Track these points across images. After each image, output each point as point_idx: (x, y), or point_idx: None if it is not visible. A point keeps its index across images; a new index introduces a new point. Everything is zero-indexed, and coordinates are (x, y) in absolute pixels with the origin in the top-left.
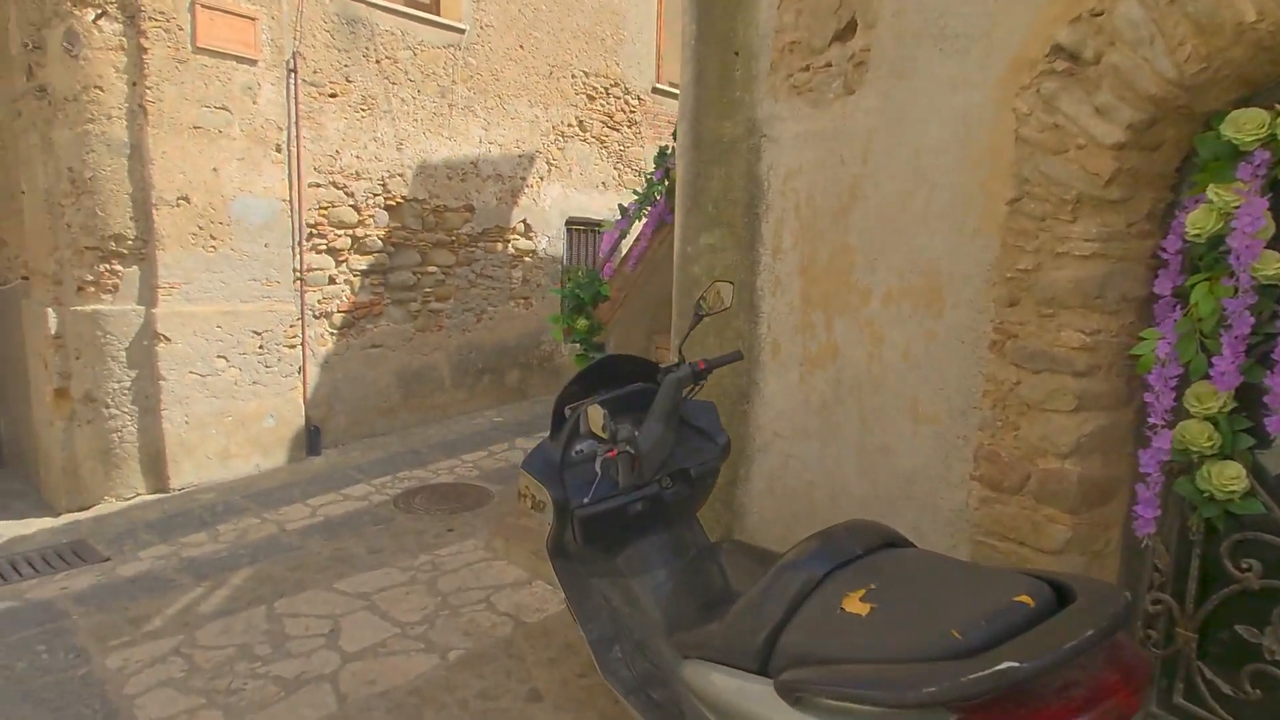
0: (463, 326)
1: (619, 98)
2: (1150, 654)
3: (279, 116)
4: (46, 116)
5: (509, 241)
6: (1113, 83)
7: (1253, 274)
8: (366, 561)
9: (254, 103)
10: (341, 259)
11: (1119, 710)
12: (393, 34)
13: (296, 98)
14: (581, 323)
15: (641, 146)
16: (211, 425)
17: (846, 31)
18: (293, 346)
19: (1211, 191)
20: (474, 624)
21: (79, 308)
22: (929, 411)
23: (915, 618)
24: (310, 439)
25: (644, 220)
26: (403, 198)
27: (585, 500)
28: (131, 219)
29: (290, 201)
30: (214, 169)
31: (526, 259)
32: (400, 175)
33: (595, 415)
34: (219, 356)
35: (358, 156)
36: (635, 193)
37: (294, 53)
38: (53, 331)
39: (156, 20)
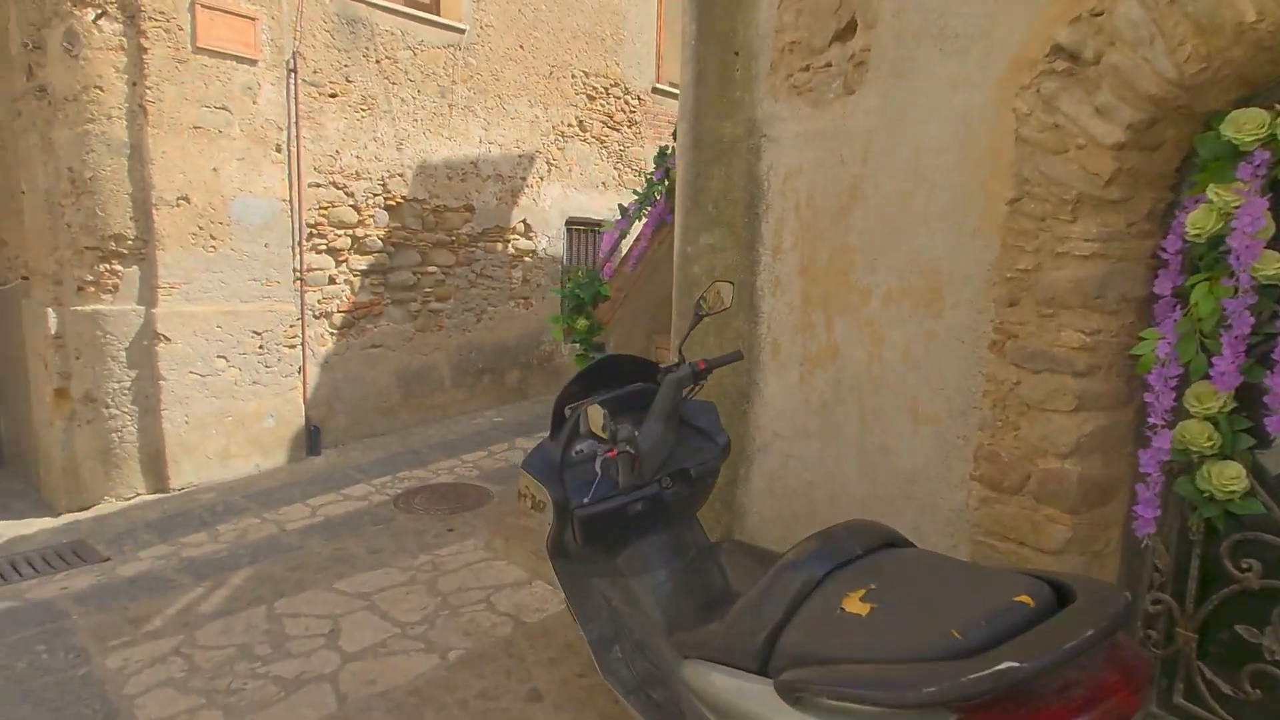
0: (463, 326)
1: (619, 98)
2: (1150, 654)
3: (279, 116)
4: (46, 116)
5: (509, 241)
6: (1113, 83)
7: (1253, 274)
8: (366, 561)
9: (254, 103)
10: (341, 259)
11: (1119, 710)
12: (393, 34)
13: (296, 98)
14: (581, 323)
15: (641, 146)
16: (211, 425)
17: (846, 31)
18: (293, 346)
19: (1211, 191)
20: (474, 624)
21: (79, 308)
22: (929, 411)
23: (915, 618)
24: (310, 439)
25: (644, 220)
26: (403, 198)
27: (585, 500)
28: (131, 219)
29: (290, 201)
30: (214, 169)
31: (526, 259)
32: (400, 175)
33: (595, 415)
34: (219, 356)
35: (358, 156)
36: (635, 193)
37: (294, 53)
38: (53, 331)
39: (156, 20)
